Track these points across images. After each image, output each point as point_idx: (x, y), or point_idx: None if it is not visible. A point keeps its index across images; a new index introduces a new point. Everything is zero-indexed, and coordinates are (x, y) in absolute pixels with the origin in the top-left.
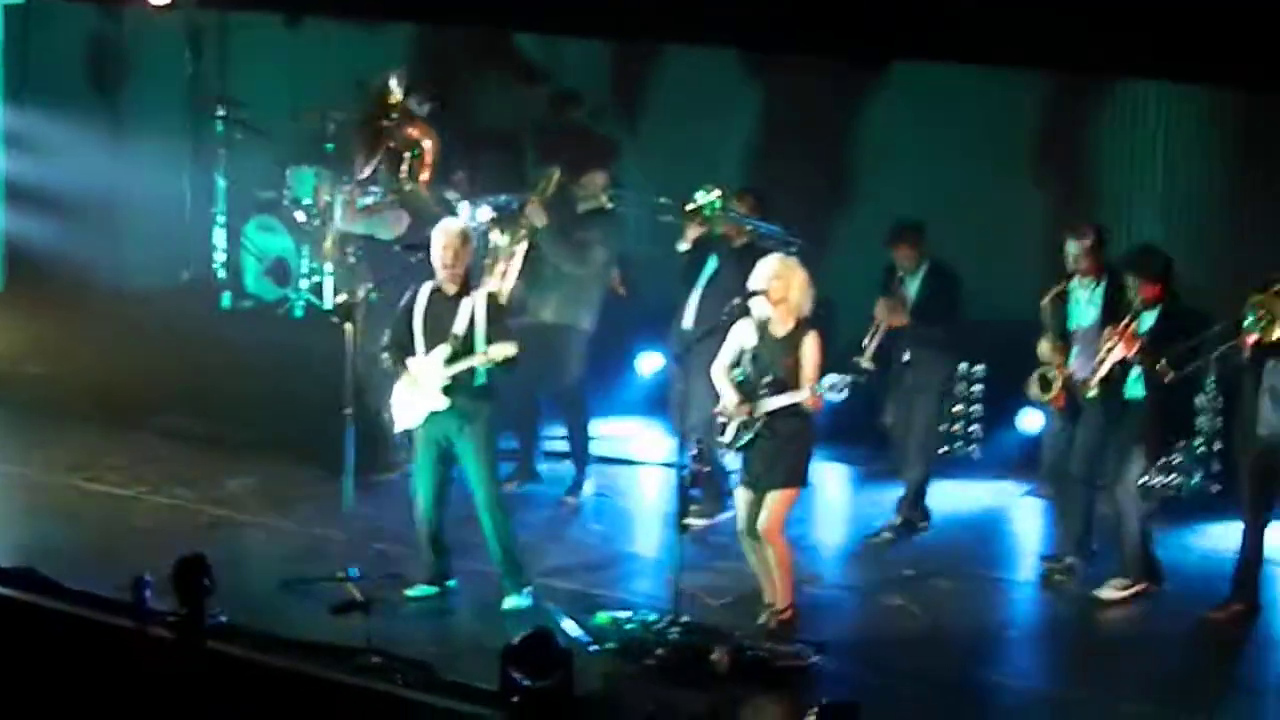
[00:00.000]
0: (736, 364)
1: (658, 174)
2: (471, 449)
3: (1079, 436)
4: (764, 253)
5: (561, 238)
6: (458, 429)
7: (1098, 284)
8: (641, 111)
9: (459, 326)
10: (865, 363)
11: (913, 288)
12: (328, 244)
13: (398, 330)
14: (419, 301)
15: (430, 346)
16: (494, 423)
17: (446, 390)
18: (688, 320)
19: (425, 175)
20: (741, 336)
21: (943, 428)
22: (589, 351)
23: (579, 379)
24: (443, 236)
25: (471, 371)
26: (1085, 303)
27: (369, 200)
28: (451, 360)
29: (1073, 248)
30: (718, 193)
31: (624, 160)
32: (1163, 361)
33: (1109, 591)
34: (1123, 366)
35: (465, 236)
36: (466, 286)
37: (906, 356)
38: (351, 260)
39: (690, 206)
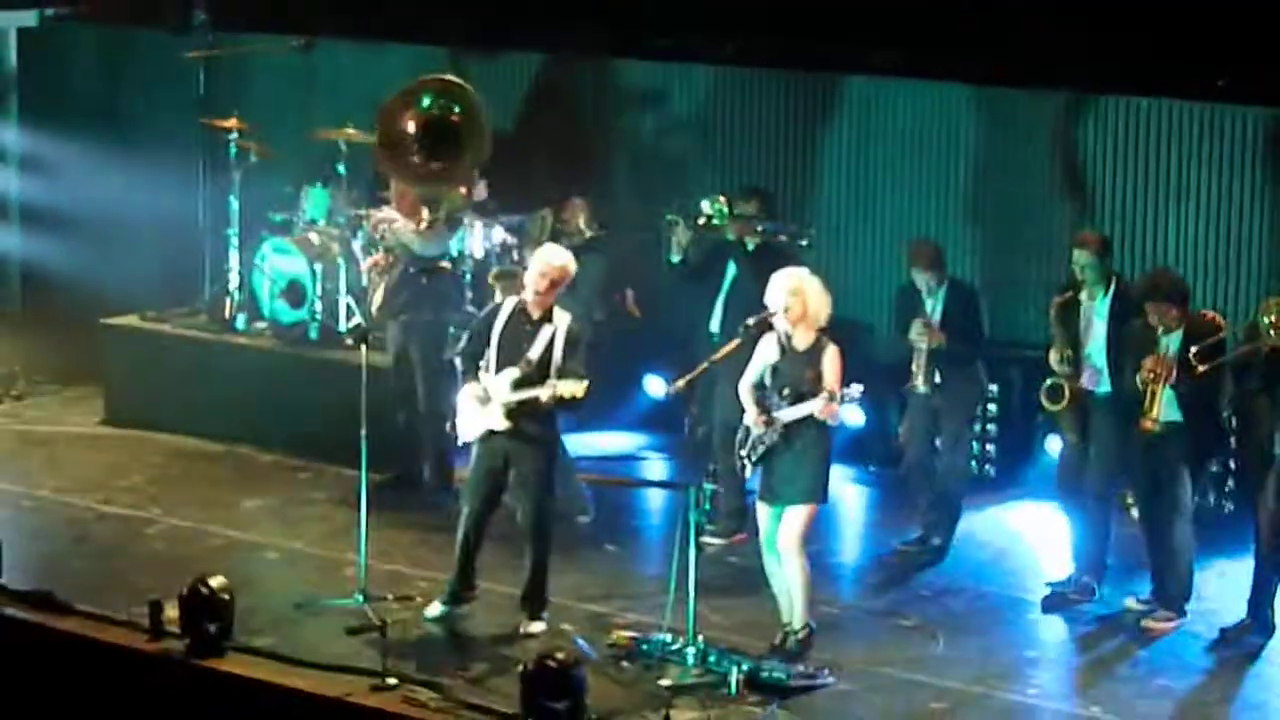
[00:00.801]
0: (761, 379)
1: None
2: (528, 472)
3: (1093, 453)
4: (780, 251)
5: None
6: (517, 451)
7: (1105, 294)
8: (648, 124)
9: (534, 352)
10: (922, 387)
11: (935, 307)
12: (378, 259)
13: (476, 340)
14: (500, 316)
15: (501, 365)
16: (554, 449)
17: (510, 413)
18: (714, 326)
19: (464, 191)
20: (765, 351)
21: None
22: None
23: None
24: (542, 264)
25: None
26: (1092, 313)
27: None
28: (519, 385)
29: (1079, 257)
30: (723, 199)
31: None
32: (1193, 350)
33: (1154, 623)
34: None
35: (566, 270)
36: (550, 313)
37: (938, 378)
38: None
39: (701, 220)
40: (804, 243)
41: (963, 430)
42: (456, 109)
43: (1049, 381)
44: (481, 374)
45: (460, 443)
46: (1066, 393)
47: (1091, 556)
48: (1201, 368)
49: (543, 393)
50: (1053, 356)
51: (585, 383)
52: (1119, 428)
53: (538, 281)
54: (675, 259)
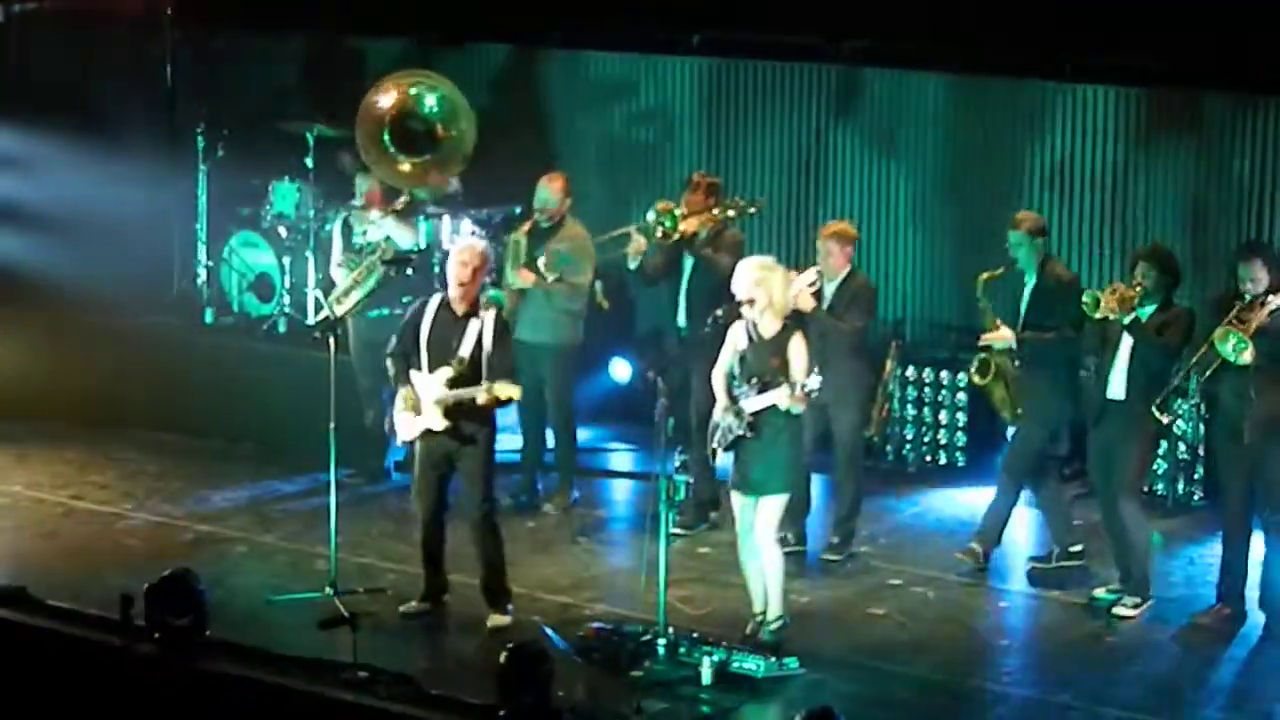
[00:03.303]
0: (732, 367)
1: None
2: (469, 470)
3: (1019, 431)
4: (734, 234)
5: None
6: (457, 449)
7: (1034, 274)
8: (617, 116)
9: (465, 349)
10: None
11: (830, 288)
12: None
13: (404, 341)
14: (426, 315)
15: (434, 364)
16: (493, 444)
17: (448, 412)
18: (680, 319)
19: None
20: (735, 339)
21: (925, 437)
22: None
23: None
24: (463, 254)
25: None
26: (1025, 293)
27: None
28: (455, 384)
29: (1012, 237)
30: (667, 204)
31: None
32: (1155, 404)
33: (1121, 609)
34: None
35: (485, 257)
36: (475, 307)
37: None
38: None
39: (660, 233)
40: (752, 210)
41: (856, 423)
42: (445, 120)
43: (978, 357)
44: (413, 374)
45: (399, 442)
46: (993, 366)
47: (1055, 531)
48: (1164, 420)
49: (479, 395)
50: (987, 334)
51: (518, 387)
52: (1042, 394)
53: (460, 273)
54: (633, 265)
